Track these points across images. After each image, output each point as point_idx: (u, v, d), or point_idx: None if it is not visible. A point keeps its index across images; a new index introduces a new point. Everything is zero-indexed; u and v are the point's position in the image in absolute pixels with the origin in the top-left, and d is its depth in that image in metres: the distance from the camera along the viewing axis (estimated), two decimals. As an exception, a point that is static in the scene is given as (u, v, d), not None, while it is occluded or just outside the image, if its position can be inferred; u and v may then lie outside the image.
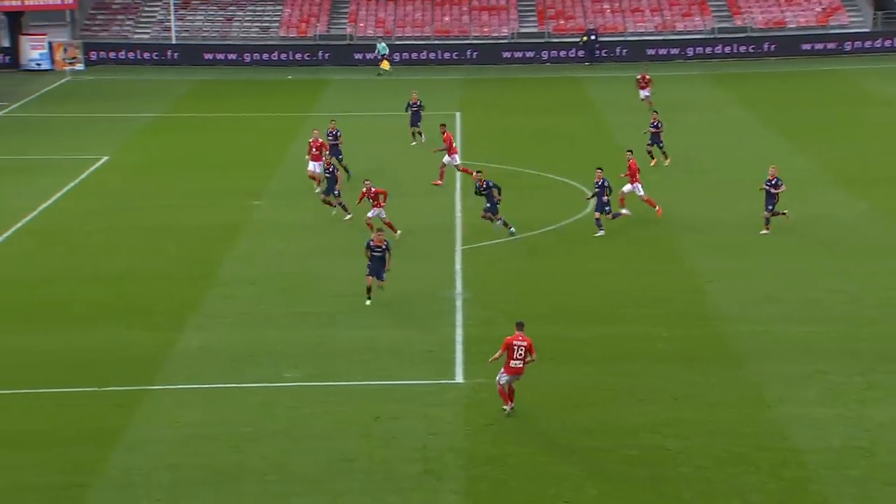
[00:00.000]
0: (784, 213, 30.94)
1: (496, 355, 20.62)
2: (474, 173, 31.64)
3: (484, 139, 43.55)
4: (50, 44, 61.96)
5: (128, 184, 37.70)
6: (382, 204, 30.39)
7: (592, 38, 62.65)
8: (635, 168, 32.32)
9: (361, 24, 65.95)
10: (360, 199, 30.84)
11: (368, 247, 25.69)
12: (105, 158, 41.18)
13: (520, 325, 20.62)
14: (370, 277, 25.71)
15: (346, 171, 36.01)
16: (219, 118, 49.21)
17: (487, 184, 30.66)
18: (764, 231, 30.80)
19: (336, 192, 32.14)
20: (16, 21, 62.80)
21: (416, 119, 41.91)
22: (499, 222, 30.62)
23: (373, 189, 30.49)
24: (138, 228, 32.55)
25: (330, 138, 36.47)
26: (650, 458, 19.23)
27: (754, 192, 31.81)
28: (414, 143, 41.62)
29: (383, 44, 61.53)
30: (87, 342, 24.21)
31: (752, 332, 24.38)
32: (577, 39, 63.04)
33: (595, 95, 52.39)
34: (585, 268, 28.92)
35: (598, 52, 62.54)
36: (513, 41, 64.17)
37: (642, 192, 32.13)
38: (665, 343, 24.03)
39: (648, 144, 38.55)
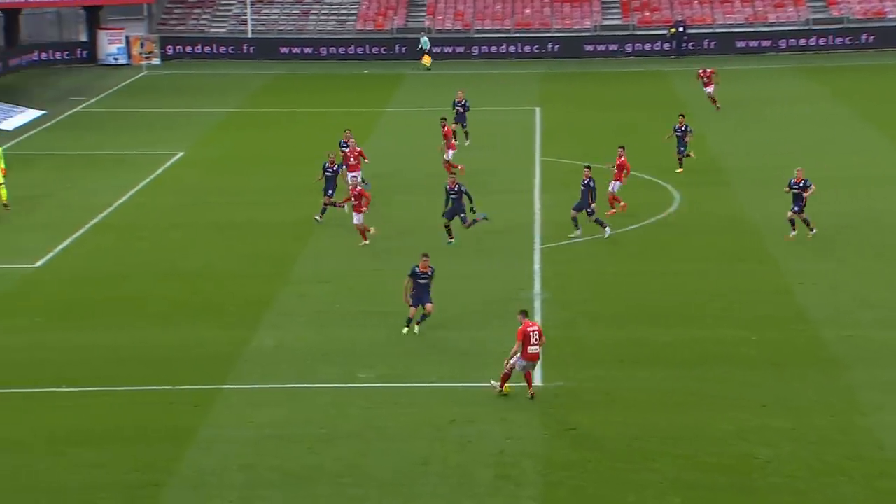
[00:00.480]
0: (811, 230, 29.77)
1: (514, 349, 21.00)
2: (449, 177, 30.54)
3: (564, 135, 43.32)
4: (127, 38, 63.05)
5: (203, 179, 38.17)
6: (364, 208, 29.86)
7: (680, 30, 62.00)
8: (624, 165, 32.21)
9: (440, 17, 66.03)
10: (346, 201, 30.94)
11: (414, 274, 23.91)
12: (180, 154, 41.76)
13: (524, 313, 21.48)
14: (413, 308, 24.09)
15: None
16: (294, 113, 49.62)
17: (460, 187, 29.83)
18: (791, 234, 29.85)
19: (330, 193, 32.18)
20: (94, 15, 64.09)
21: (461, 118, 41.23)
22: (474, 220, 29.88)
23: (358, 189, 30.28)
24: (213, 225, 32.93)
25: (344, 148, 36.08)
26: (737, 467, 18.93)
27: (846, 190, 31.18)
28: (467, 142, 40.93)
29: (426, 38, 61.55)
30: (161, 339, 24.55)
31: (845, 337, 23.90)
32: (664, 32, 62.43)
33: (681, 90, 51.82)
34: (668, 267, 28.60)
35: (685, 44, 61.90)
36: (596, 34, 63.77)
37: (615, 190, 32.25)
38: (752, 347, 23.66)
39: (679, 150, 37.25)
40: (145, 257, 30.23)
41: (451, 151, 37.33)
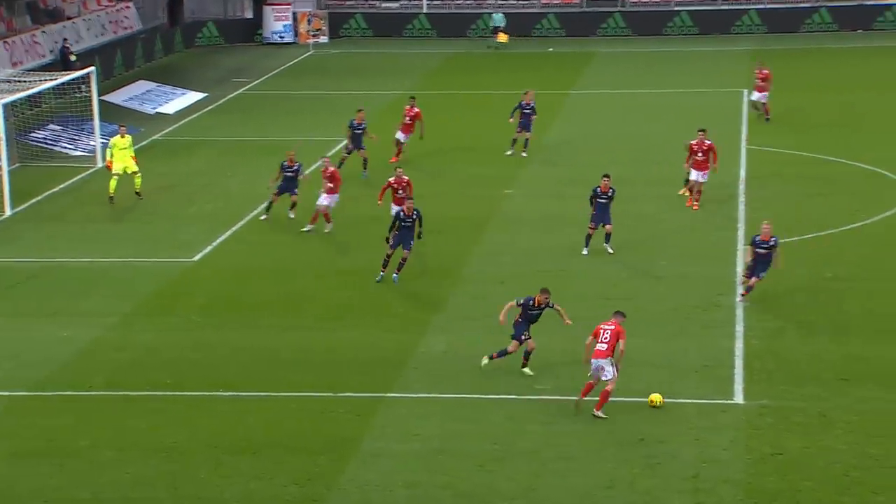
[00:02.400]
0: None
1: (588, 342, 21.25)
2: (407, 202, 27.86)
3: (774, 121, 42.27)
4: (294, 14, 64.53)
5: (370, 168, 38.72)
6: (335, 191, 31.13)
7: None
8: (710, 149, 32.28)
9: (634, -13, 65.28)
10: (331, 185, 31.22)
11: (525, 305, 23.00)
12: (345, 140, 42.53)
13: (619, 314, 21.45)
14: (514, 342, 22.86)
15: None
16: (470, 96, 49.90)
17: (417, 213, 27.71)
18: None
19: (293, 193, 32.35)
20: (260, -11, 65.75)
21: (526, 124, 37.90)
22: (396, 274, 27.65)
23: (330, 169, 31.48)
24: (381, 220, 33.35)
25: (357, 131, 35.92)
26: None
27: None
28: (510, 152, 38.42)
29: (500, 14, 60.79)
30: (323, 342, 24.99)
31: None
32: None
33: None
34: (891, 273, 27.57)
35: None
36: (817, 4, 61.96)
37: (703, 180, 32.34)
38: None
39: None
40: (309, 254, 30.79)
41: (408, 136, 37.15)
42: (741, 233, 30.94)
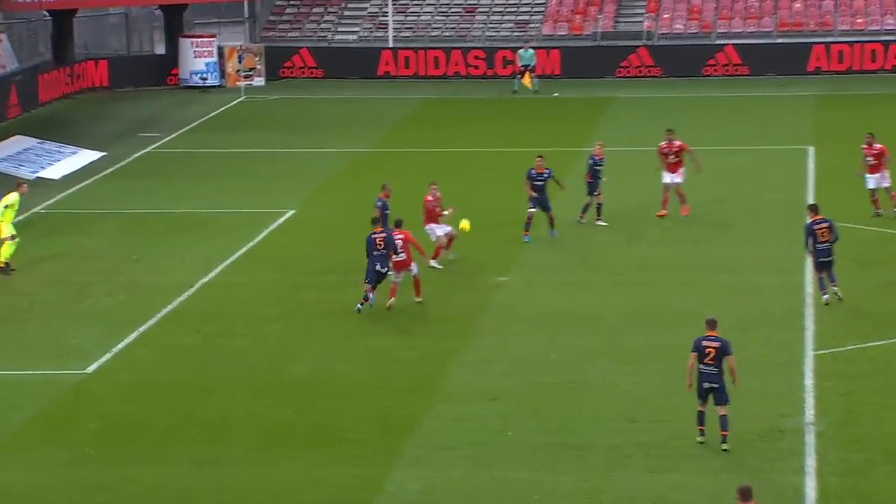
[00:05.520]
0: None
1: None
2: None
3: (850, 186, 42.52)
4: (220, 49, 64.95)
5: (318, 250, 38.71)
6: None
7: None
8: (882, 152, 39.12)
9: (666, 17, 66.15)
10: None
11: (698, 348, 25.36)
12: (289, 213, 42.52)
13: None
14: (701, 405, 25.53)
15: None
16: (446, 155, 50.14)
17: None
18: None
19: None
20: (174, 18, 66.06)
21: (593, 184, 39.51)
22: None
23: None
24: (329, 314, 33.26)
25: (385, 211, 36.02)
26: None
27: None
28: (582, 219, 39.81)
29: (530, 50, 61.58)
30: (255, 480, 24.69)
31: None
32: None
33: None
34: None
35: None
36: (900, 35, 62.92)
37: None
38: None
39: None
40: (237, 361, 30.68)
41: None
42: (809, 333, 30.95)
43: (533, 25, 67.00)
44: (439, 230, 36.37)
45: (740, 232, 39.19)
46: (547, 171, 38.28)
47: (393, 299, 32.98)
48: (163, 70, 65.24)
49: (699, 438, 25.30)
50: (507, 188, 42.98)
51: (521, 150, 48.21)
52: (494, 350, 30.82)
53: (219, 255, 38.09)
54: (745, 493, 20.26)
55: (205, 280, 36.27)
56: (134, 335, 32.34)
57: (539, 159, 38.58)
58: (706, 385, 25.14)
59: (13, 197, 36.49)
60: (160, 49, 67.46)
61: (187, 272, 36.79)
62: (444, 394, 28.55)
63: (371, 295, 32.84)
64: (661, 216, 40.22)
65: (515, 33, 66.64)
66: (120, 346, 31.68)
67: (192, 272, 36.76)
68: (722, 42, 64.38)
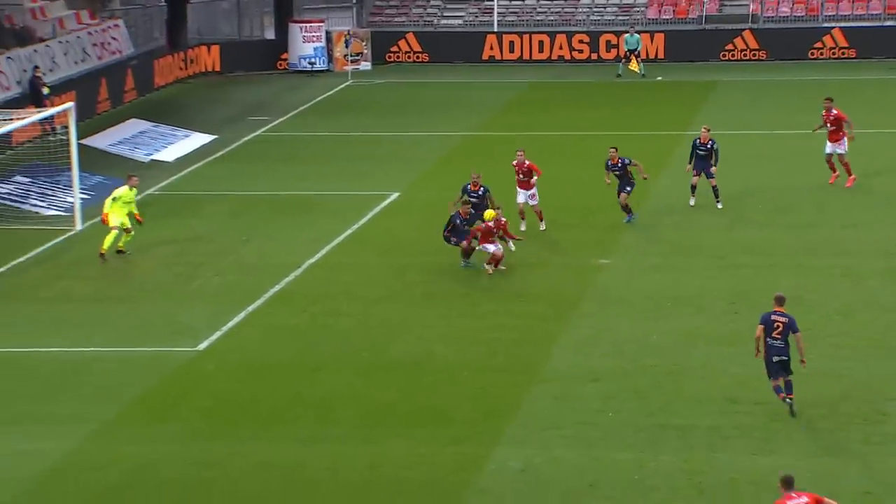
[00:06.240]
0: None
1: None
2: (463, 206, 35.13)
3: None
4: (328, 34, 65.32)
5: (424, 232, 38.90)
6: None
7: None
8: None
9: (772, 0, 65.52)
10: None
11: (766, 322, 26.06)
12: (394, 195, 42.75)
13: (787, 483, 20.30)
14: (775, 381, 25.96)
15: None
16: (550, 138, 50.02)
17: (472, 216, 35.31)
18: None
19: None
20: (284, 4, 66.63)
21: (705, 166, 38.98)
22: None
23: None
24: (436, 297, 33.43)
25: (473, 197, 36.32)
26: None
27: None
28: (719, 205, 39.35)
29: (636, 35, 61.01)
30: (359, 457, 24.87)
31: None
32: None
33: None
34: None
35: None
36: None
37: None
38: None
39: None
40: (342, 341, 30.90)
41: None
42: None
43: (637, 9, 66.70)
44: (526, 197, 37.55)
45: (846, 215, 38.80)
46: (622, 160, 37.88)
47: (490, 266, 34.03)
48: (272, 55, 65.70)
49: (788, 408, 25.67)
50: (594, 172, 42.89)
51: (625, 134, 48.11)
52: (596, 332, 30.80)
53: (325, 236, 38.36)
54: (788, 483, 20.12)
55: (311, 261, 36.58)
56: (242, 315, 32.70)
57: (613, 150, 38.12)
58: (776, 359, 25.55)
59: (122, 190, 36.82)
60: (270, 34, 67.97)
61: (294, 253, 37.11)
62: (545, 374, 28.60)
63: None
64: (832, 182, 40.92)
65: (620, 18, 66.40)
66: (229, 325, 32.04)
67: (299, 253, 37.08)
68: (829, 25, 63.65)
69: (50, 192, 43.45)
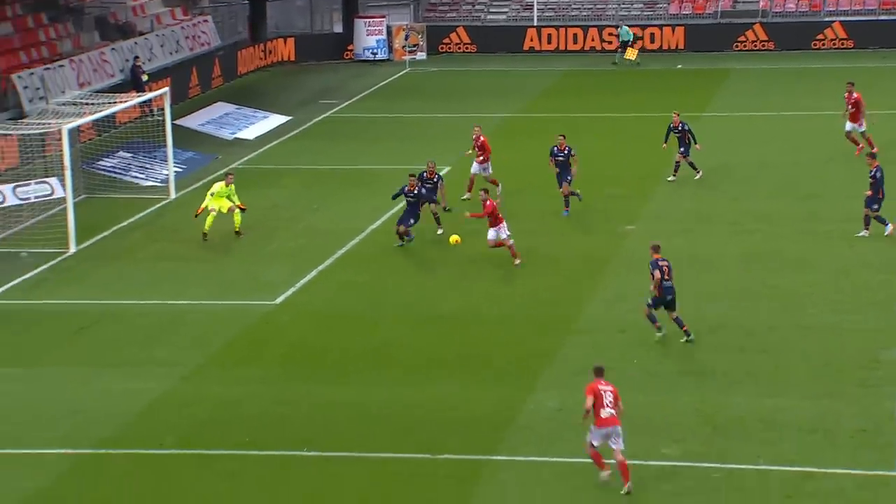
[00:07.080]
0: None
1: (586, 405, 20.54)
2: (410, 178, 34.17)
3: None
4: (389, 28, 65.21)
5: (468, 204, 38.82)
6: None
7: None
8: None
9: (779, -3, 64.87)
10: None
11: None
12: (446, 169, 42.72)
13: (599, 372, 20.93)
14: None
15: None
16: (583, 119, 49.83)
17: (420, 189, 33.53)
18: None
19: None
20: (351, 1, 66.61)
21: (682, 146, 38.99)
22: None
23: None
24: (479, 261, 33.41)
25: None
26: None
27: None
28: (698, 175, 39.15)
29: (625, 28, 60.65)
30: (417, 398, 25.02)
31: None
32: None
33: None
34: None
35: None
36: None
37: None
38: None
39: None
40: (399, 297, 30.99)
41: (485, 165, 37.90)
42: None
43: (661, 5, 66.16)
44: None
45: (844, 188, 38.42)
46: (567, 148, 37.27)
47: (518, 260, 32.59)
48: (340, 46, 65.70)
49: (658, 335, 26.98)
50: (635, 148, 42.78)
51: (649, 115, 47.91)
52: (623, 290, 30.71)
53: (385, 206, 38.28)
54: (600, 372, 20.99)
55: (373, 227, 36.62)
56: (314, 273, 32.80)
57: (560, 137, 36.99)
58: (669, 297, 26.81)
59: (217, 186, 36.38)
60: (338, 28, 67.96)
61: (358, 220, 37.17)
62: (577, 327, 28.58)
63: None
64: (858, 154, 40.06)
65: (645, 13, 65.91)
66: (303, 281, 32.16)
67: (363, 220, 37.12)
68: (830, 19, 63.05)
69: (148, 166, 43.65)
